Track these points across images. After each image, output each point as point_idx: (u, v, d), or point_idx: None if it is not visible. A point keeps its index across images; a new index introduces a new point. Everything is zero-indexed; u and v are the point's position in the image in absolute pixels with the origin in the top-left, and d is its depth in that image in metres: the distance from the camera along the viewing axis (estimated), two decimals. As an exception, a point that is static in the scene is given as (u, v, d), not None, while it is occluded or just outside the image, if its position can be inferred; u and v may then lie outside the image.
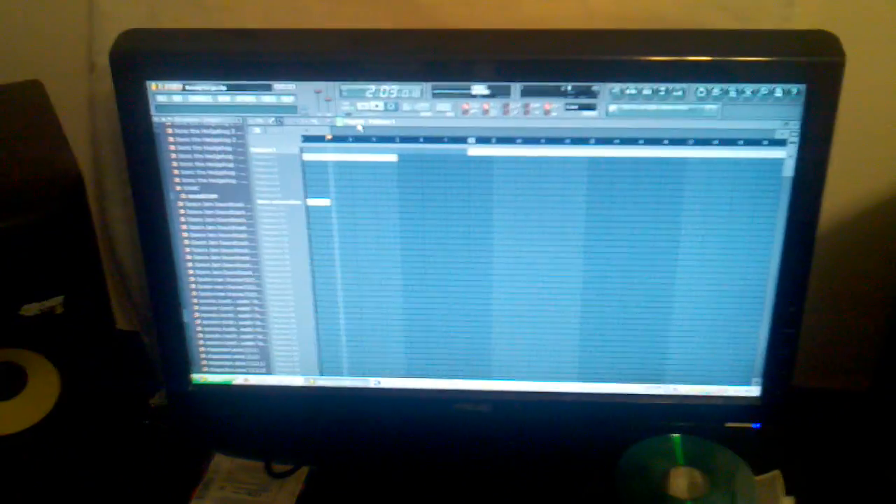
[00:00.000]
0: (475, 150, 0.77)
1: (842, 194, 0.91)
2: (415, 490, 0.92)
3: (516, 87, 0.75)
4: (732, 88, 0.73)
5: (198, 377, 0.89)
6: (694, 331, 0.83)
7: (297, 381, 0.88)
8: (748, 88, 0.73)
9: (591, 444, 0.93)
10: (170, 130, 0.78)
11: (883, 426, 0.91)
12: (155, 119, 0.78)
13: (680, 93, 0.74)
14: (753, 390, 0.85)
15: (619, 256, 0.80)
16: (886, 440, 0.90)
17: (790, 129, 0.74)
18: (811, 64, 0.72)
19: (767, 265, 0.79)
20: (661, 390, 0.86)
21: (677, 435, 0.93)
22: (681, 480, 0.92)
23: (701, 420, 0.89)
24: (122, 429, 0.94)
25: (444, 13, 0.86)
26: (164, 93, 0.77)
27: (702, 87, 0.74)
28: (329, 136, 0.78)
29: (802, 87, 0.73)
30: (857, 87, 0.74)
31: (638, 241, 0.79)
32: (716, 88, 0.74)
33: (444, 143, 0.77)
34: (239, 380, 0.89)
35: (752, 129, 0.75)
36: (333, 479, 0.93)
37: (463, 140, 0.77)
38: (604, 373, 0.85)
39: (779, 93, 0.73)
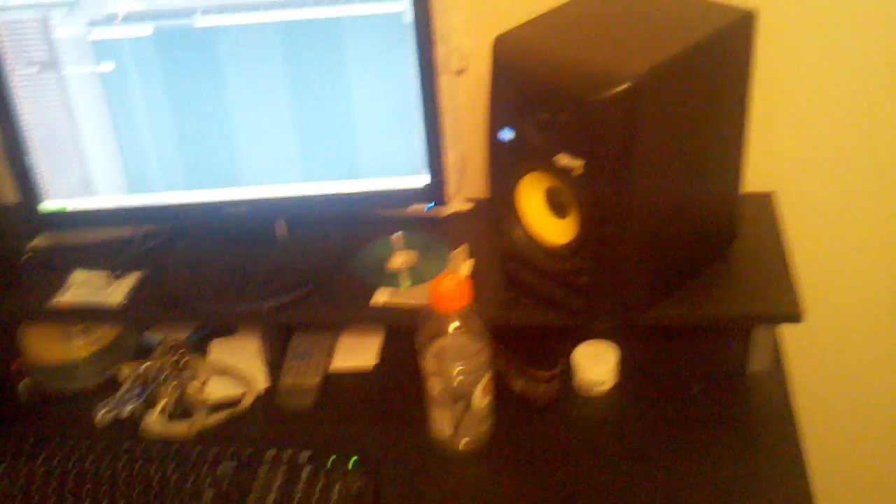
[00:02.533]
0: (202, 22, 1.14)
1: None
2: (217, 278, 1.30)
3: (222, -24, 1.12)
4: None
5: (43, 206, 1.26)
6: (377, 139, 1.20)
7: (114, 200, 1.26)
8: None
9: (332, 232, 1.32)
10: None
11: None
12: (-13, 18, 1.15)
13: (327, -29, 1.11)
14: (424, 179, 1.23)
15: (312, 91, 1.17)
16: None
17: (404, -11, 1.12)
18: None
19: (409, 89, 1.17)
20: (363, 185, 1.24)
21: (396, 233, 1.32)
22: (400, 259, 1.30)
23: (392, 204, 1.27)
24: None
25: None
26: (-9, -1, 1.14)
27: (340, -35, 1.11)
28: (118, 20, 1.14)
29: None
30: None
31: (323, 78, 1.16)
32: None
33: (178, 18, 1.14)
34: (75, 205, 1.27)
35: (379, -8, 1.12)
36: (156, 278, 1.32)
37: (192, 13, 1.14)
38: (320, 174, 1.23)
39: (389, -37, 1.10)
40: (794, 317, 1.12)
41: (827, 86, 1.30)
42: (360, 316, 1.26)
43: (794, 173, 1.35)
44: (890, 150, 1.34)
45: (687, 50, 1.03)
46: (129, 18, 1.14)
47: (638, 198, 1.04)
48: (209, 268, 1.31)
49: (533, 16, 1.12)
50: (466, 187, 1.39)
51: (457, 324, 1.10)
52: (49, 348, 1.32)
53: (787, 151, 1.34)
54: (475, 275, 1.25)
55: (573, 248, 1.10)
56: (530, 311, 1.18)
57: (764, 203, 1.31)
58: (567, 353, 1.23)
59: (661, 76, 1.00)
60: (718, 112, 1.12)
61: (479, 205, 1.39)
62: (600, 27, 1.10)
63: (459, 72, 1.33)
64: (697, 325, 1.22)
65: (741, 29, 1.09)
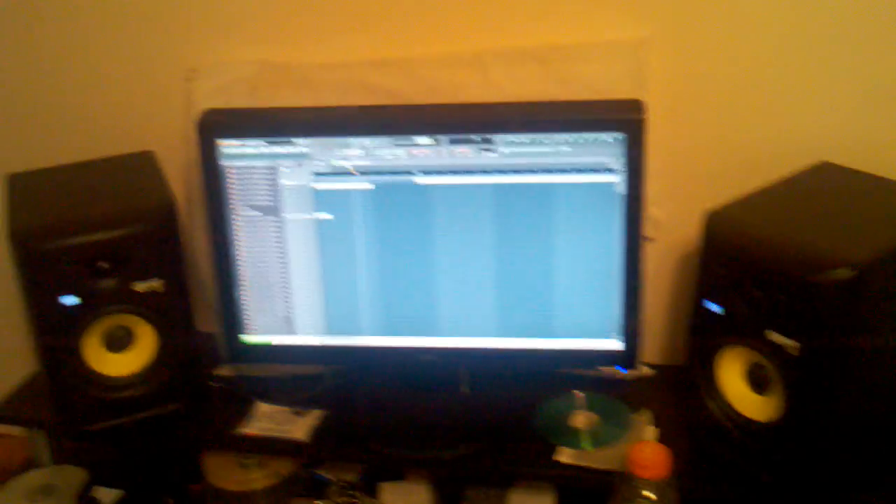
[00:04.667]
0: (420, 180, 1.21)
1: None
2: (398, 423, 1.33)
3: (445, 139, 1.19)
4: (580, 136, 1.16)
5: (245, 338, 1.32)
6: (575, 301, 1.23)
7: (312, 339, 1.31)
8: (590, 136, 1.16)
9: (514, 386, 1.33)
10: (231, 171, 1.24)
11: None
12: (221, 163, 1.24)
13: (546, 140, 1.17)
14: (616, 343, 1.25)
15: (518, 251, 1.21)
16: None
17: (619, 162, 1.16)
18: (626, 120, 1.15)
19: (613, 254, 1.20)
20: (555, 344, 1.26)
21: (579, 392, 1.33)
22: (581, 419, 1.31)
23: (582, 364, 1.29)
24: (198, 380, 1.38)
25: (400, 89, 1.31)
26: (227, 147, 1.23)
27: (559, 136, 1.16)
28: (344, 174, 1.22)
29: (622, 135, 1.15)
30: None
31: (529, 239, 1.21)
32: (569, 137, 1.16)
33: (399, 174, 1.21)
34: (275, 340, 1.32)
35: (594, 162, 1.17)
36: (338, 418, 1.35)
37: (412, 173, 1.20)
38: (514, 331, 1.26)
39: (609, 139, 1.16)
40: None
41: None
42: (541, 473, 1.26)
43: None
44: None
45: (911, 239, 1.04)
46: (354, 173, 1.21)
47: (852, 382, 1.03)
48: (391, 412, 1.33)
49: (730, 192, 1.15)
50: (645, 353, 1.40)
51: (651, 494, 1.09)
52: (228, 477, 1.36)
53: None
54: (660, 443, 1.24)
55: (776, 427, 1.09)
56: (722, 486, 1.16)
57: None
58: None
59: (884, 262, 1.01)
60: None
61: (660, 371, 1.40)
62: (815, 208, 1.12)
63: (649, 240, 1.36)
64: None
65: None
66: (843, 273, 0.98)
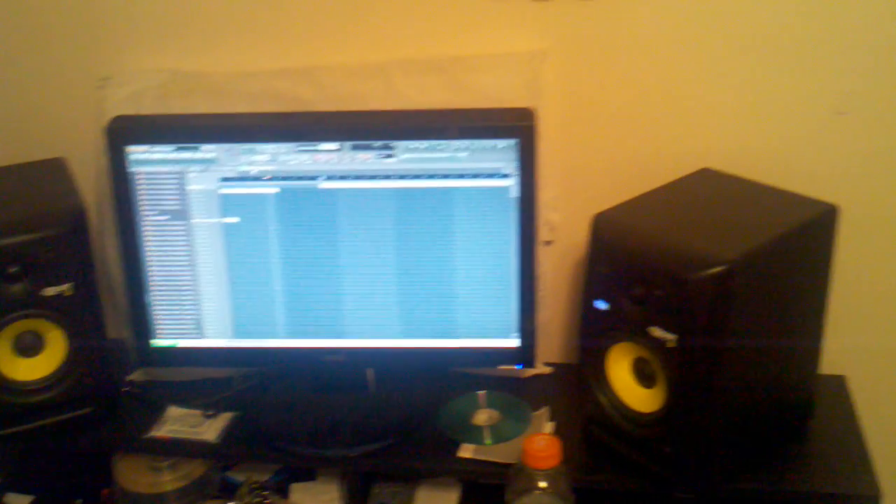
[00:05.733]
0: (325, 185, 1.25)
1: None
2: (307, 423, 1.36)
3: (347, 145, 1.23)
4: (475, 143, 1.21)
5: (155, 342, 1.34)
6: (474, 302, 1.28)
7: (220, 342, 1.34)
8: (485, 143, 1.21)
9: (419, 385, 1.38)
10: (140, 177, 1.27)
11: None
12: (130, 169, 1.26)
13: (444, 146, 1.22)
14: (514, 341, 1.30)
15: (418, 254, 1.26)
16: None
17: (512, 167, 1.22)
18: (518, 127, 1.20)
19: (510, 256, 1.26)
20: (457, 344, 1.31)
21: (481, 391, 1.38)
22: (483, 416, 1.36)
23: (483, 363, 1.34)
24: (109, 385, 1.39)
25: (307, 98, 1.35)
26: (135, 153, 1.26)
27: (456, 143, 1.22)
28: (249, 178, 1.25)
29: (514, 141, 1.21)
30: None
31: (429, 242, 1.26)
32: (465, 143, 1.22)
33: (304, 180, 1.25)
34: (184, 343, 1.35)
35: (489, 168, 1.22)
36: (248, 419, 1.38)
37: (316, 178, 1.25)
38: (417, 332, 1.30)
39: (502, 145, 1.21)
40: (873, 498, 1.15)
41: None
42: (445, 468, 1.30)
43: (867, 359, 1.40)
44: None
45: (777, 238, 1.11)
46: (259, 177, 1.25)
47: (727, 373, 1.10)
48: (300, 413, 1.37)
49: (620, 196, 1.21)
50: (545, 352, 1.46)
51: (545, 483, 1.14)
52: (139, 480, 1.38)
53: (861, 338, 1.39)
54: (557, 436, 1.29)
55: (660, 418, 1.15)
56: (612, 475, 1.22)
57: (838, 385, 1.36)
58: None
59: (754, 261, 1.08)
60: (802, 297, 1.19)
61: (558, 369, 1.45)
62: (694, 211, 1.19)
63: (547, 243, 1.42)
64: (776, 502, 1.24)
65: (825, 221, 1.17)
66: (714, 271, 1.05)
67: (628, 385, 1.19)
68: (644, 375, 1.18)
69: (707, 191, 1.25)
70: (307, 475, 1.43)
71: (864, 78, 1.27)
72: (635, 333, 1.13)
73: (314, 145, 1.24)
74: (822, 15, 1.24)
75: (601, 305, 1.16)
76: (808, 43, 1.26)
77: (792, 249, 1.14)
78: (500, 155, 1.21)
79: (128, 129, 1.26)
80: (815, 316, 1.24)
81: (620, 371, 1.20)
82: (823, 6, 1.24)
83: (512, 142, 1.21)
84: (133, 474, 1.38)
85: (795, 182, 1.22)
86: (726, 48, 1.28)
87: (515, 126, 1.20)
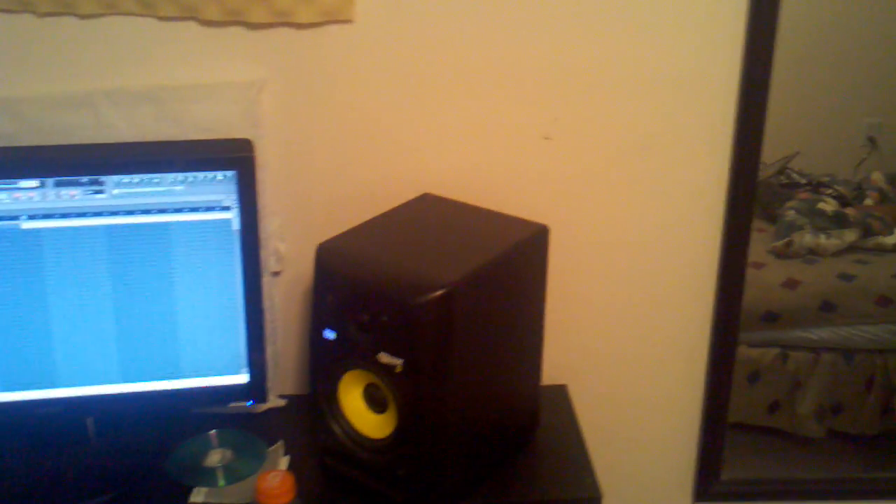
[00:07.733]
0: (27, 224, 1.16)
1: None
2: (25, 482, 1.25)
3: (50, 181, 1.15)
4: (192, 175, 1.17)
5: None
6: (199, 339, 1.24)
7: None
8: (202, 175, 1.18)
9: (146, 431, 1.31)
10: None
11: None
12: None
13: (158, 180, 1.17)
14: (243, 377, 1.27)
15: (136, 293, 1.20)
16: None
17: (232, 199, 1.19)
18: (236, 158, 1.18)
19: (235, 290, 1.22)
20: (183, 384, 1.25)
21: (212, 431, 1.34)
22: (215, 456, 1.31)
23: (213, 402, 1.29)
24: None
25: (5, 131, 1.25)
26: None
27: (171, 176, 1.17)
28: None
29: (233, 172, 1.18)
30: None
31: (148, 280, 1.20)
32: (181, 176, 1.17)
33: (4, 220, 1.15)
34: None
35: (209, 200, 1.19)
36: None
37: (17, 217, 1.15)
38: (139, 375, 1.24)
39: (220, 177, 1.18)
40: (595, 500, 1.22)
41: (608, 291, 1.47)
42: (177, 517, 1.24)
43: (584, 367, 1.49)
44: (662, 345, 1.51)
45: (494, 259, 1.16)
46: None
47: (453, 392, 1.13)
48: (16, 472, 1.26)
49: (346, 224, 1.22)
50: (279, 384, 1.43)
51: (281, 520, 1.12)
52: None
53: (577, 348, 1.48)
54: (292, 470, 1.27)
55: (392, 442, 1.16)
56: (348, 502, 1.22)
57: (560, 394, 1.44)
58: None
59: (473, 282, 1.11)
60: (521, 313, 1.25)
61: (292, 401, 1.43)
62: (415, 237, 1.21)
63: (276, 273, 1.40)
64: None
65: (538, 240, 1.24)
66: (436, 294, 1.07)
67: (361, 412, 1.20)
68: (375, 401, 1.18)
69: (427, 216, 1.28)
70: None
71: (567, 105, 1.35)
72: (365, 360, 1.14)
73: (13, 182, 1.14)
74: (529, 46, 1.32)
75: (330, 335, 1.16)
76: (518, 73, 1.33)
77: (509, 269, 1.19)
78: (218, 187, 1.18)
79: None
80: (534, 330, 1.30)
81: (352, 399, 1.20)
82: (531, 41, 1.31)
83: (230, 173, 1.18)
84: None
85: (510, 205, 1.28)
86: (444, 78, 1.33)
87: (233, 157, 1.18)
